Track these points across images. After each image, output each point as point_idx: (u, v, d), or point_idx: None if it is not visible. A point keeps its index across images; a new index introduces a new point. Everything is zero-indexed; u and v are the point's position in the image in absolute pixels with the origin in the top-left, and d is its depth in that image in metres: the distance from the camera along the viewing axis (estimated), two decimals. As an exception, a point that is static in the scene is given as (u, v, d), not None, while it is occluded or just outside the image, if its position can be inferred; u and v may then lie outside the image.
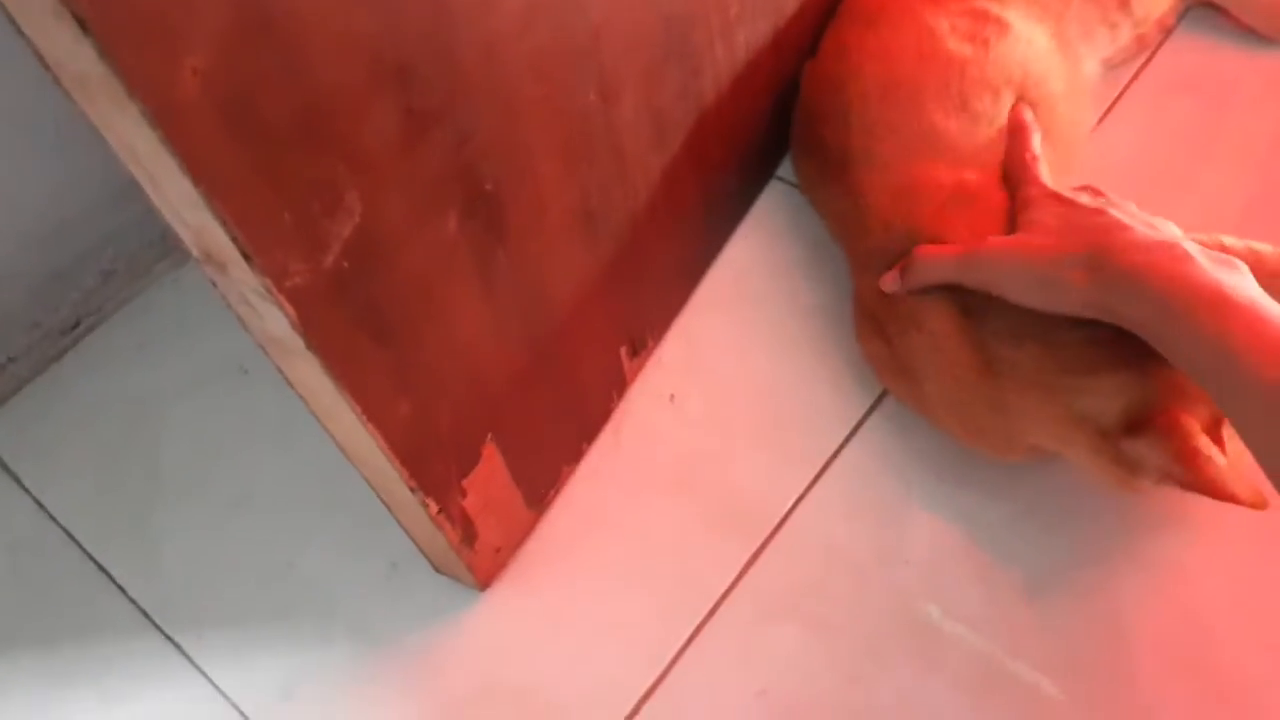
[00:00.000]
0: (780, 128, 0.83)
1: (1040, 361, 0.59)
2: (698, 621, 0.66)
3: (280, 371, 0.51)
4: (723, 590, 0.67)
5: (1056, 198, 0.61)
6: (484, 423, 0.60)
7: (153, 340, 0.85)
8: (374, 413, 0.51)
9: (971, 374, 0.62)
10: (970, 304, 0.62)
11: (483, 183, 0.53)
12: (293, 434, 0.76)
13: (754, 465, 0.71)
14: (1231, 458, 0.54)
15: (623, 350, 0.73)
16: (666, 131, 0.68)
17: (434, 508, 0.58)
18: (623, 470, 0.73)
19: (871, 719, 0.61)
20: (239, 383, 0.81)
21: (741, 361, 0.77)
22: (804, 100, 0.79)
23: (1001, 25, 0.73)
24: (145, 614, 0.71)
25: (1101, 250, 0.55)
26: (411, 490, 0.56)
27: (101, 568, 0.74)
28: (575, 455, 0.72)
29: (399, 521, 0.63)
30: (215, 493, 0.76)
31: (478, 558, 0.65)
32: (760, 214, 0.84)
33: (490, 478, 0.63)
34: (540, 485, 0.69)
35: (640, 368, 0.76)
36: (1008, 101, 0.71)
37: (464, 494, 0.61)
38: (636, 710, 0.63)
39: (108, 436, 0.80)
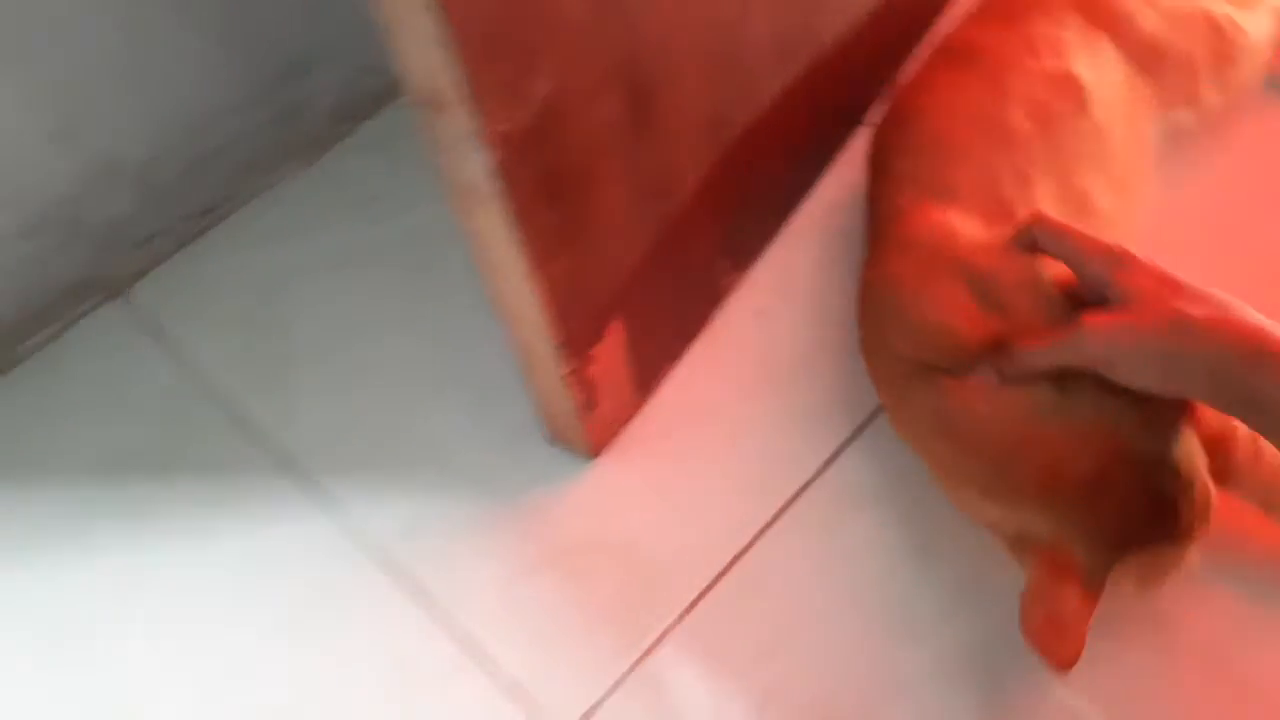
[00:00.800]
0: (871, 81, 0.90)
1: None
2: (783, 502, 0.73)
3: (462, 223, 0.58)
4: (806, 478, 0.74)
5: (1159, 275, 0.58)
6: (614, 300, 0.67)
7: (284, 228, 0.93)
8: (538, 267, 0.58)
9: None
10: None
11: (641, 76, 0.60)
12: (414, 317, 0.84)
13: (837, 374, 0.78)
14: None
15: (722, 263, 0.80)
16: (786, 58, 0.75)
17: (568, 368, 0.66)
18: (717, 370, 0.80)
19: (930, 604, 0.68)
20: (363, 271, 0.88)
21: (827, 287, 0.83)
22: (882, 120, 0.79)
23: (1079, 98, 0.72)
24: (279, 460, 0.79)
25: (1250, 332, 0.53)
26: (555, 347, 0.63)
27: (239, 418, 0.81)
28: (676, 352, 0.79)
29: (530, 383, 0.70)
30: (345, 361, 0.83)
31: (593, 425, 0.72)
32: (853, 155, 0.91)
33: (613, 353, 0.70)
34: (647, 372, 0.76)
35: (735, 283, 0.83)
36: (1042, 192, 0.68)
37: (592, 361, 0.68)
38: (725, 571, 0.70)
39: (245, 307, 0.87)
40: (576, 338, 0.65)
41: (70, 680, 0.70)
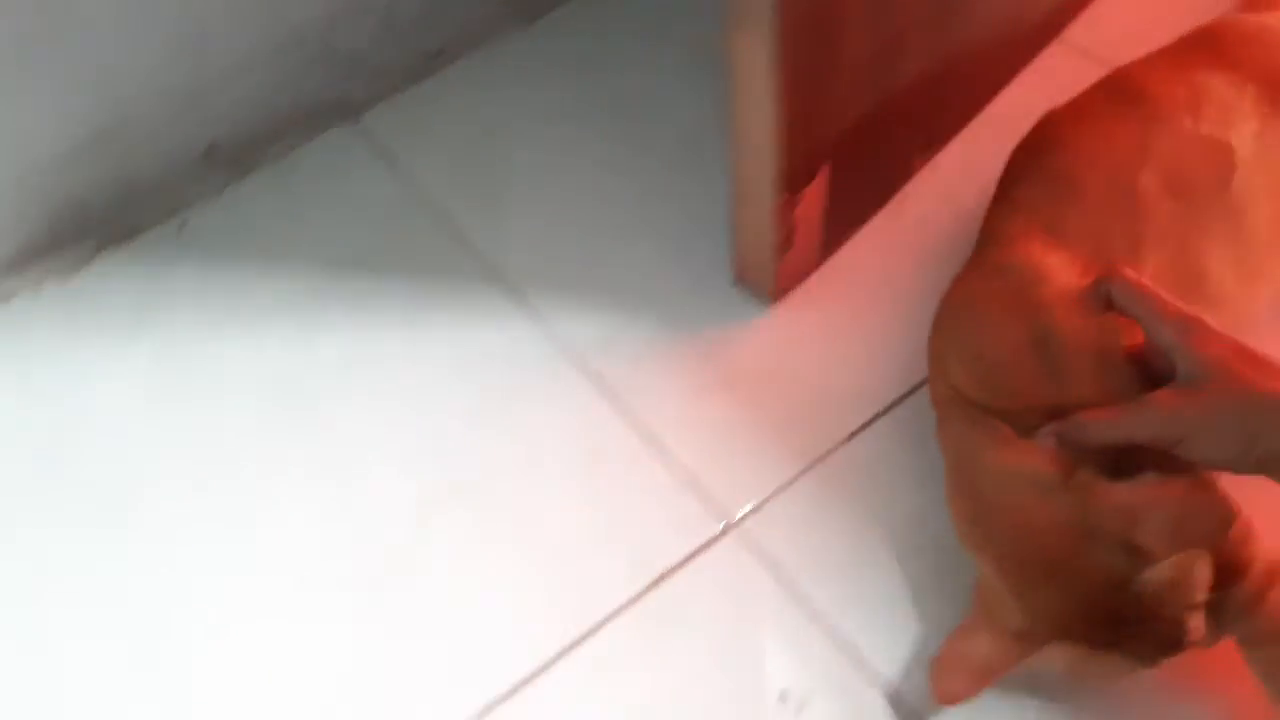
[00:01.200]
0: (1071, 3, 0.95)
1: None
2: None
3: (728, 50, 0.65)
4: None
5: (1234, 346, 0.57)
6: (830, 148, 0.74)
7: (505, 78, 1.01)
8: (785, 96, 0.65)
9: None
10: None
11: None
12: (620, 166, 0.93)
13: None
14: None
15: (918, 143, 0.87)
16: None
17: (781, 199, 0.73)
18: (895, 240, 0.86)
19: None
20: (575, 122, 0.97)
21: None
22: (1024, 139, 0.76)
23: (1225, 171, 0.68)
24: (489, 271, 0.88)
25: None
26: (777, 177, 0.71)
27: (456, 232, 0.91)
28: (861, 217, 0.86)
29: (738, 217, 0.78)
30: (554, 194, 0.92)
31: (783, 267, 0.79)
32: (1040, 70, 0.96)
33: (816, 199, 0.77)
34: (833, 230, 0.83)
35: (921, 165, 0.89)
36: (1153, 259, 0.65)
37: (799, 202, 0.75)
38: (884, 412, 0.77)
39: (466, 139, 0.97)
40: (794, 173, 0.72)
41: (290, 441, 0.80)
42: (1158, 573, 0.55)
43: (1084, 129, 0.71)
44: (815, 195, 0.76)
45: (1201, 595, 0.56)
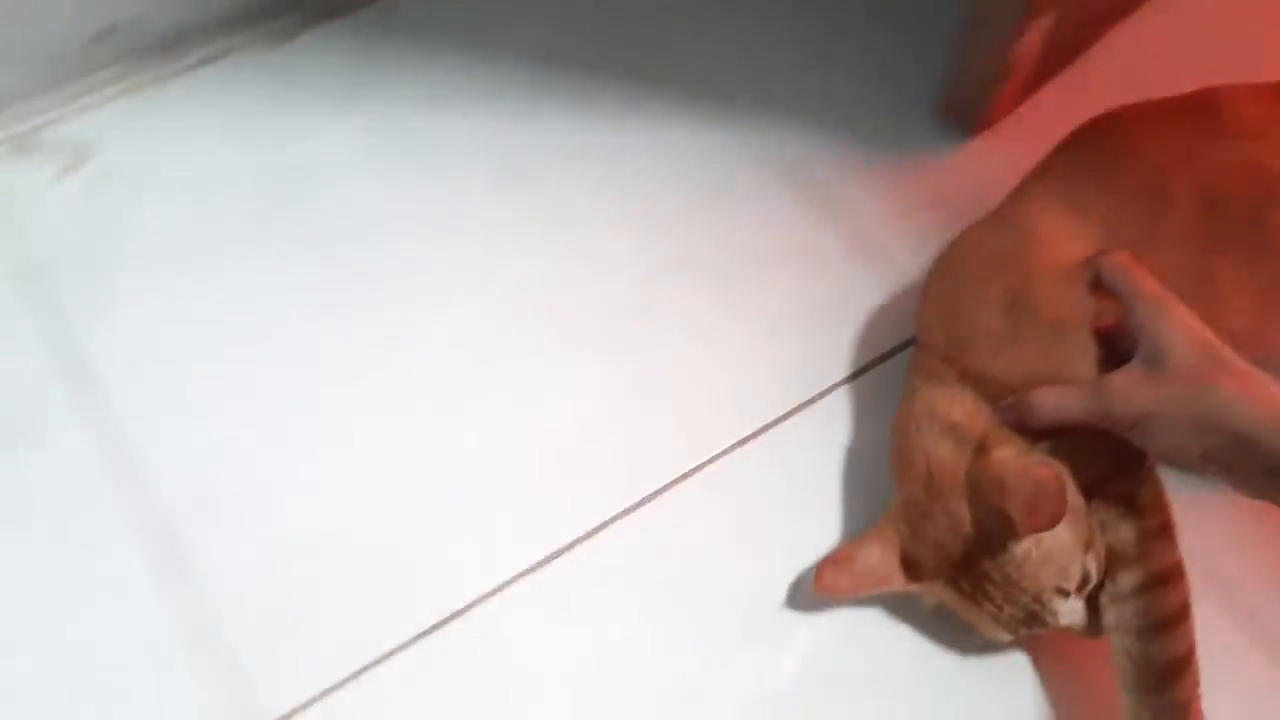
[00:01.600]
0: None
1: None
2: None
3: None
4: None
5: (1202, 338, 0.57)
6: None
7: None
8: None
9: None
10: None
11: None
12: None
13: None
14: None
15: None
16: None
17: (1019, 25, 0.77)
18: (1091, 93, 0.91)
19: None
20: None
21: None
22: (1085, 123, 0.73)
23: (1266, 201, 0.65)
24: (698, 81, 0.92)
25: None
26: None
27: (662, 41, 0.95)
28: (1057, 68, 0.91)
29: (969, 40, 0.82)
30: (768, 14, 0.96)
31: (995, 95, 0.84)
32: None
33: (1034, 40, 0.81)
34: (1039, 72, 0.88)
35: (1109, 30, 0.94)
36: (1167, 262, 0.63)
37: (1021, 34, 0.80)
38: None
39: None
40: (1039, 2, 0.77)
41: (513, 212, 0.85)
42: (1021, 547, 0.58)
43: (1147, 127, 0.70)
44: (1035, 37, 0.81)
45: (1072, 583, 0.59)
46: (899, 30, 0.93)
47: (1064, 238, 0.65)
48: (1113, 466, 0.61)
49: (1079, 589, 0.60)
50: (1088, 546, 0.60)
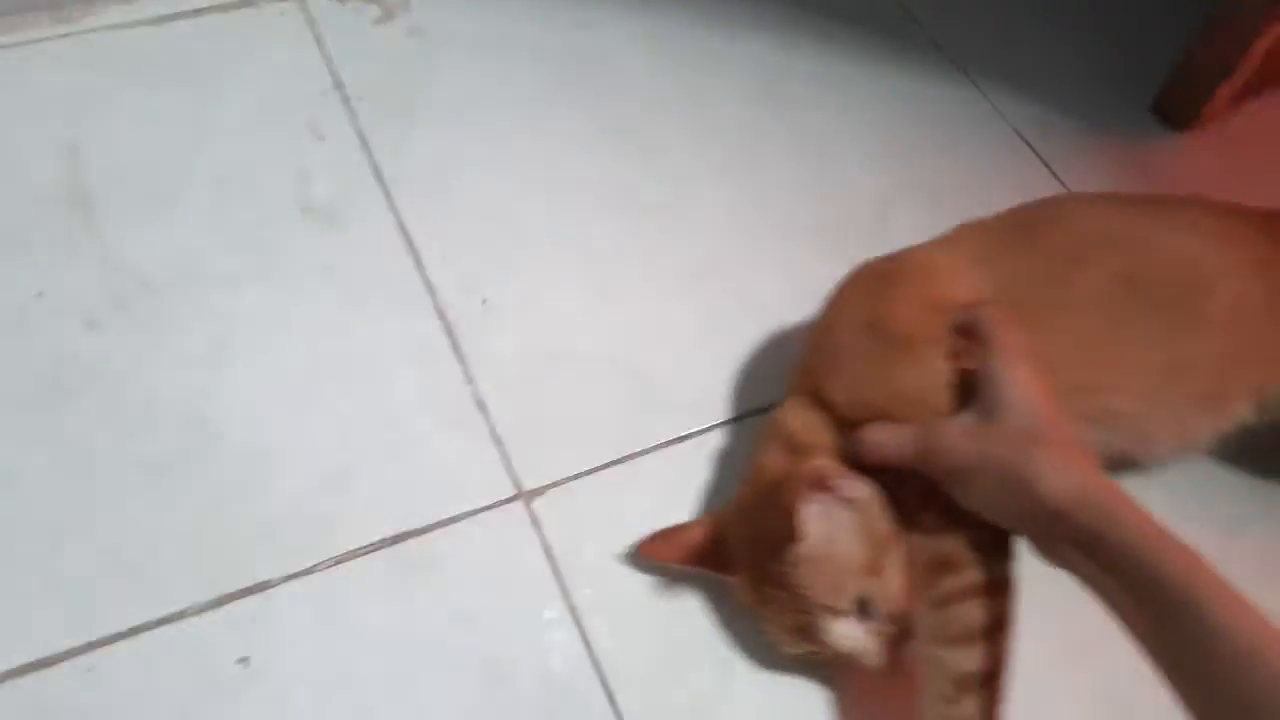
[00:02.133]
0: None
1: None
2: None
3: None
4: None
5: (1048, 410, 0.57)
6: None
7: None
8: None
9: None
10: None
11: None
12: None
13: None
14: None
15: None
16: None
17: (1259, 20, 0.85)
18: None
19: None
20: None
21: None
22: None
23: (1194, 289, 0.66)
24: (934, 40, 1.01)
25: (1094, 486, 0.54)
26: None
27: (905, 5, 1.04)
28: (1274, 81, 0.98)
29: (1203, 35, 0.91)
30: None
31: (1214, 94, 0.92)
32: None
33: (1267, 43, 0.89)
34: (1258, 81, 0.95)
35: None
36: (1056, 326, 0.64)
37: (1261, 32, 0.88)
38: None
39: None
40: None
41: (771, 128, 0.93)
42: (795, 551, 0.57)
43: (1093, 208, 0.72)
44: (1273, 36, 0.89)
45: (844, 603, 0.57)
46: (1136, 20, 1.02)
47: (956, 279, 0.65)
48: None
49: (858, 614, 0.58)
50: (874, 572, 0.58)
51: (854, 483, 0.60)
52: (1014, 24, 1.04)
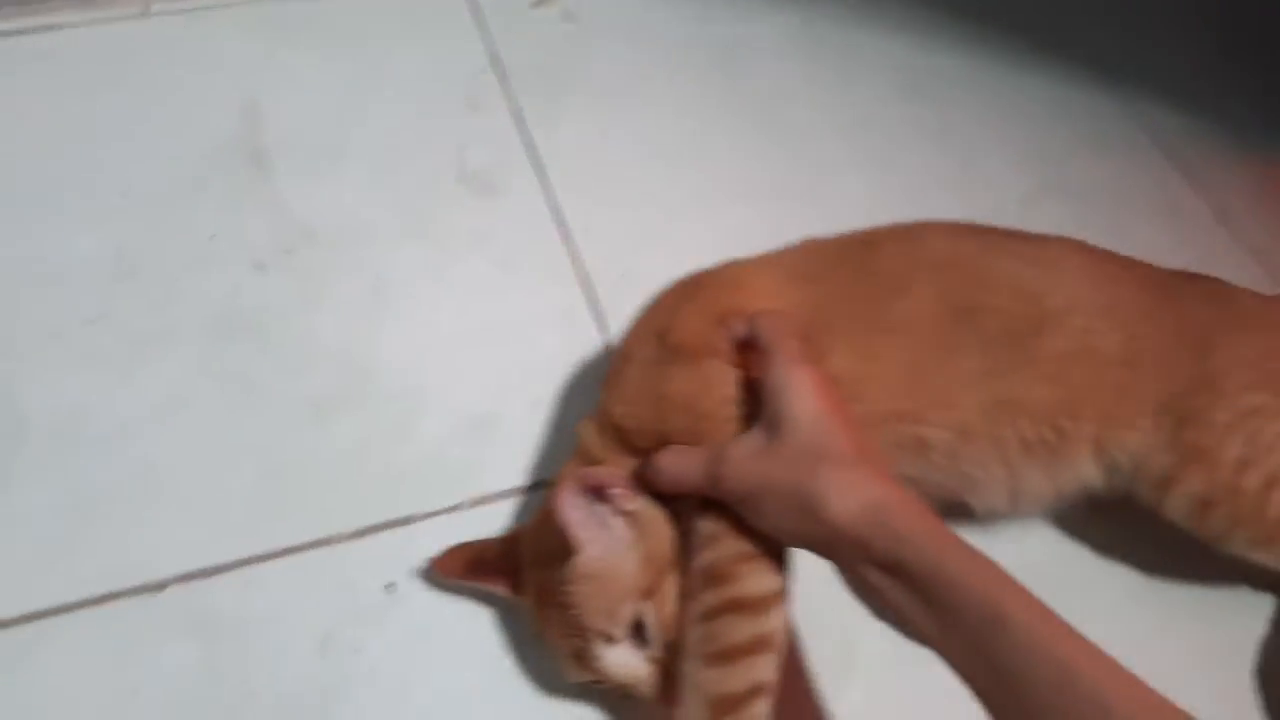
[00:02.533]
0: None
1: None
2: None
3: None
4: None
5: (828, 396, 0.54)
6: None
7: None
8: None
9: None
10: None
11: None
12: None
13: None
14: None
15: None
16: None
17: None
18: None
19: None
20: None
21: None
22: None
23: (1030, 325, 0.62)
24: (1086, 53, 1.01)
25: (884, 503, 0.50)
26: None
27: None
28: None
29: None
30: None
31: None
32: None
33: None
34: None
35: None
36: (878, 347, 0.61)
37: None
38: None
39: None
40: None
41: (915, 118, 0.94)
42: (571, 567, 0.55)
43: (959, 235, 0.67)
44: None
45: (618, 628, 0.54)
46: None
47: (767, 292, 0.62)
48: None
49: (631, 639, 0.55)
50: (649, 595, 0.55)
51: (630, 493, 0.57)
52: (1167, 34, 1.03)
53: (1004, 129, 0.95)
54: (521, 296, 0.79)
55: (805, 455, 0.52)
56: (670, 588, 0.56)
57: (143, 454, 0.69)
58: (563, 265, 0.81)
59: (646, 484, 0.57)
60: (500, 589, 0.61)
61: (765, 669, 0.52)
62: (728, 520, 0.54)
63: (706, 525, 0.55)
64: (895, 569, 0.49)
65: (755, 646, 0.52)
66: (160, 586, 0.64)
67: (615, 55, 0.95)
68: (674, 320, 0.61)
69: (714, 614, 0.53)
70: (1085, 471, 0.62)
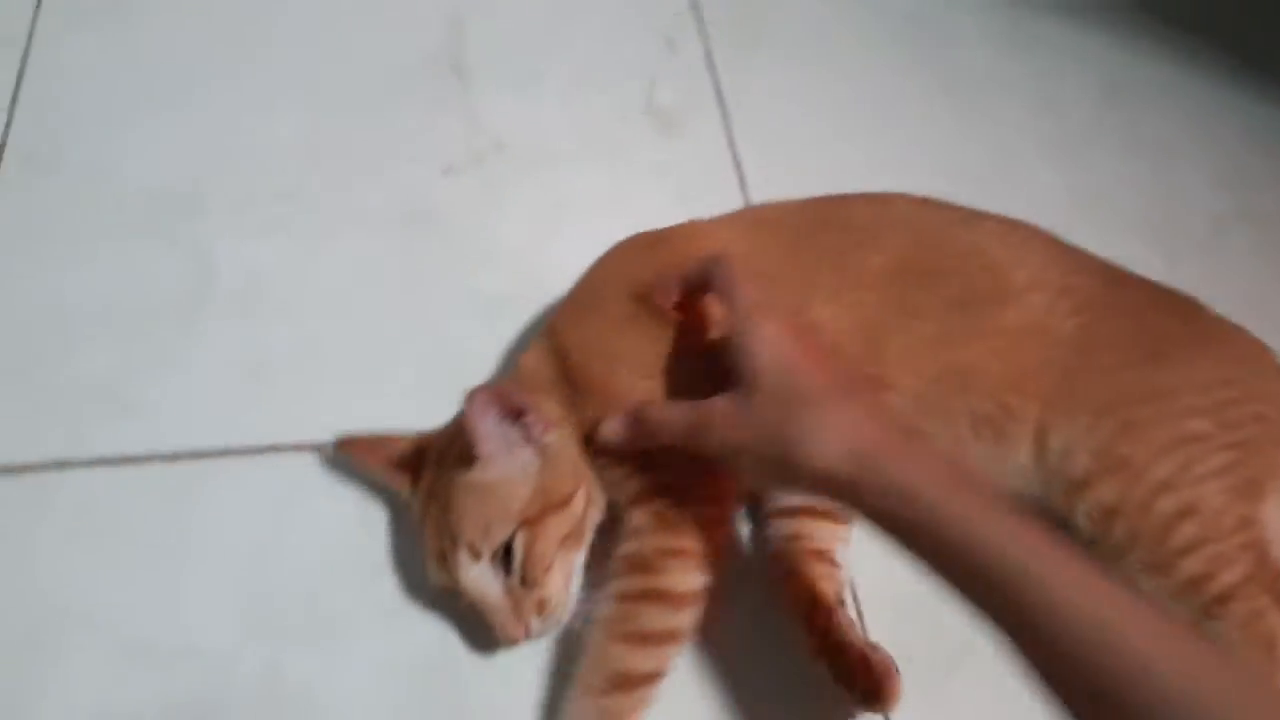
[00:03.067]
0: None
1: None
2: None
3: None
4: None
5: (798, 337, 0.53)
6: None
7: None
8: None
9: None
10: None
11: None
12: None
13: None
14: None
15: None
16: None
17: None
18: None
19: None
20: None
21: None
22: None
23: (992, 291, 0.62)
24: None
25: (871, 447, 0.48)
26: None
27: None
28: None
29: None
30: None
31: None
32: None
33: None
34: None
35: None
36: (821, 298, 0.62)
37: None
38: None
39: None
40: None
41: (1116, 123, 0.92)
42: (465, 476, 0.57)
43: (931, 205, 0.67)
44: None
45: (486, 547, 0.55)
46: None
47: (730, 243, 0.62)
48: (679, 482, 0.57)
49: (495, 562, 0.56)
50: (532, 526, 0.55)
51: (547, 425, 0.58)
52: None
53: (1202, 145, 0.92)
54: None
55: (777, 405, 0.50)
56: (553, 530, 0.56)
57: (317, 325, 0.72)
58: (735, 208, 0.81)
59: (629, 433, 0.56)
60: (398, 483, 0.61)
61: (669, 659, 0.55)
62: (656, 515, 0.56)
63: (636, 516, 0.57)
64: (891, 521, 0.46)
65: (667, 638, 0.55)
66: (317, 447, 0.66)
67: (811, 12, 0.95)
68: (634, 270, 0.62)
69: (633, 598, 0.55)
70: (1021, 458, 0.60)
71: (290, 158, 0.80)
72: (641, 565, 0.56)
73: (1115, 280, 0.65)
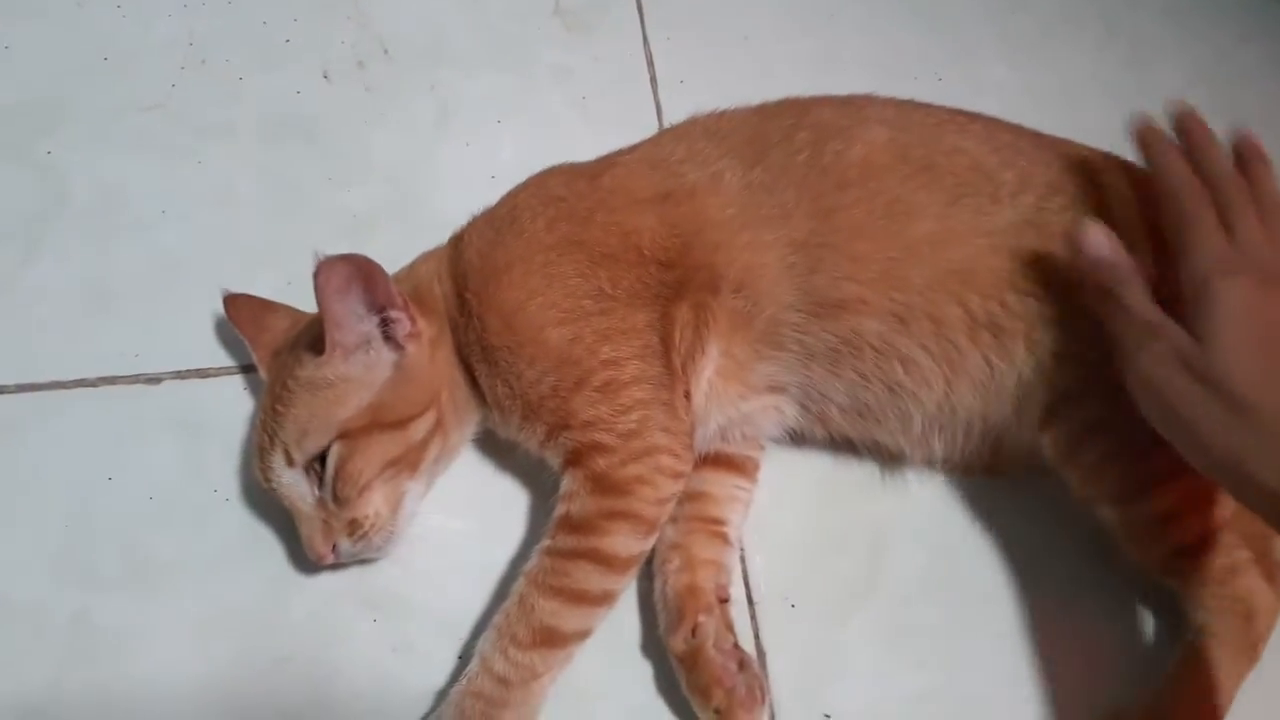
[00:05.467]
0: None
1: None
2: None
3: None
4: None
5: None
6: None
7: None
8: None
9: None
10: None
11: None
12: None
13: None
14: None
15: None
16: None
17: None
18: None
19: None
20: None
21: None
22: None
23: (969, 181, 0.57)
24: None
25: None
26: None
27: None
28: None
29: None
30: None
31: None
32: None
33: None
34: None
35: None
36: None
37: None
38: None
39: None
40: None
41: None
42: (306, 369, 0.53)
43: (902, 103, 0.61)
44: None
45: (300, 454, 0.52)
46: None
47: (676, 159, 0.58)
48: (622, 443, 0.53)
49: (309, 472, 0.52)
50: (351, 439, 0.52)
51: (416, 331, 0.54)
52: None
53: (1180, 40, 0.81)
54: (593, 142, 0.71)
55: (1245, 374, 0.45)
56: (376, 450, 0.52)
57: (171, 245, 0.67)
58: (646, 116, 0.74)
59: (1114, 255, 0.51)
60: (261, 364, 0.57)
61: (598, 620, 0.53)
62: (593, 477, 0.53)
63: (568, 482, 0.54)
64: None
65: (601, 599, 0.53)
66: (156, 380, 0.61)
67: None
68: (574, 206, 0.57)
69: (570, 556, 0.53)
70: (1022, 365, 0.54)
71: (161, 65, 0.74)
72: (583, 526, 0.53)
73: (1102, 170, 0.58)
